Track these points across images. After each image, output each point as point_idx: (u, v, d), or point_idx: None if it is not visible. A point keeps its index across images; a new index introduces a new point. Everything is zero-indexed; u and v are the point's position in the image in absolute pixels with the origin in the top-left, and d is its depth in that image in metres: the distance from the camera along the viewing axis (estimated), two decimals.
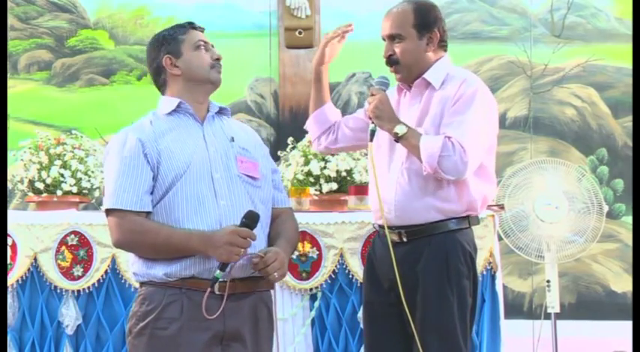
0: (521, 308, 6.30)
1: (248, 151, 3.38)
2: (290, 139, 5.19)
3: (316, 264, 4.61)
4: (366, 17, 6.37)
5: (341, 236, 4.61)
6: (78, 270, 4.67)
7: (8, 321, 4.62)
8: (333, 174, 4.94)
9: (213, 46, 3.43)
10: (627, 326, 4.76)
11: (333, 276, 4.62)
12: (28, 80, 6.63)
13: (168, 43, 3.38)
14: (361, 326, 4.44)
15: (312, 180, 4.97)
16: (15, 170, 5.20)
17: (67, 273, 4.67)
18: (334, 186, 4.94)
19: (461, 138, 3.53)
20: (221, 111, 3.43)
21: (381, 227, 3.69)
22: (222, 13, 6.48)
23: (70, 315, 4.64)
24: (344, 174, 4.96)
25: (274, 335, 3.40)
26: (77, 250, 4.68)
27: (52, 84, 6.62)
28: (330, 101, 4.02)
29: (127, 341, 3.30)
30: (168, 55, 3.37)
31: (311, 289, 4.62)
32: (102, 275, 4.66)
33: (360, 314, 4.47)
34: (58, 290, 4.67)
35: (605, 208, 5.28)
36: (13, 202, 6.28)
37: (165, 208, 3.23)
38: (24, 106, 6.54)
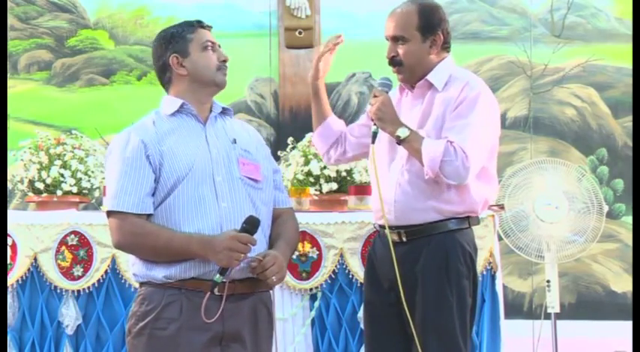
0: (521, 308, 6.30)
1: (250, 153, 3.37)
2: (290, 139, 5.18)
3: (316, 264, 4.61)
4: (366, 17, 6.38)
5: (341, 236, 4.61)
6: (78, 270, 4.67)
7: (8, 321, 4.62)
8: (333, 174, 4.94)
9: (220, 46, 3.40)
10: (627, 326, 4.76)
11: (333, 276, 4.62)
12: (28, 80, 6.63)
13: (176, 41, 3.35)
14: (361, 326, 4.44)
15: (312, 180, 4.97)
16: (15, 170, 5.20)
17: (67, 273, 4.67)
18: (334, 186, 4.94)
19: (463, 143, 3.53)
20: (224, 112, 3.42)
21: (382, 227, 3.69)
22: (222, 13, 6.48)
23: (70, 315, 4.64)
24: (344, 174, 4.95)
25: (273, 335, 3.40)
26: (77, 250, 4.68)
27: (52, 84, 6.63)
28: (332, 114, 4.00)
29: (127, 341, 3.30)
30: (176, 54, 3.34)
31: (311, 289, 4.62)
32: (102, 276, 4.66)
33: (360, 314, 4.48)
34: (58, 290, 4.67)
35: (605, 208, 5.28)
36: (13, 202, 6.28)
37: (167, 210, 3.23)
38: (24, 106, 6.54)
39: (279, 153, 5.19)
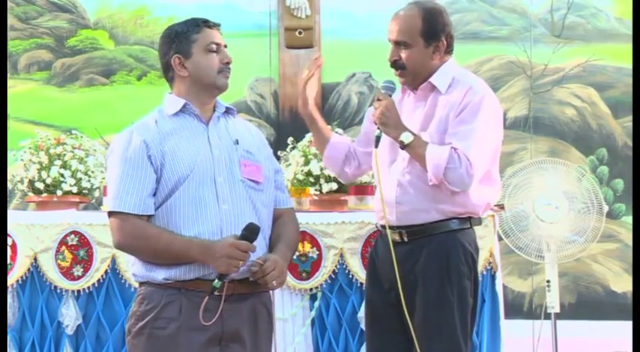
0: (521, 308, 6.29)
1: (252, 154, 3.36)
2: (290, 139, 5.18)
3: (316, 264, 4.61)
4: (366, 17, 6.37)
5: (341, 236, 4.61)
6: (78, 270, 4.67)
7: (8, 321, 4.62)
8: (333, 174, 4.94)
9: (225, 47, 3.37)
10: (627, 326, 4.76)
11: (333, 276, 4.62)
12: (28, 80, 6.63)
13: (180, 41, 3.33)
14: (361, 326, 4.45)
15: (312, 180, 4.97)
16: (15, 170, 5.20)
17: (67, 273, 4.67)
18: (334, 186, 4.94)
19: (467, 149, 3.52)
20: (227, 111, 3.41)
21: (383, 227, 3.69)
22: (222, 13, 6.47)
23: (70, 315, 4.64)
24: None
25: (273, 335, 3.40)
26: (77, 250, 4.68)
27: (52, 84, 6.62)
28: (333, 134, 3.99)
29: (127, 341, 3.30)
30: (178, 54, 3.33)
31: (311, 289, 4.62)
32: (102, 276, 4.66)
33: (360, 314, 4.48)
34: (58, 290, 4.67)
35: (605, 208, 5.28)
36: (13, 202, 6.28)
37: (168, 211, 3.22)
38: (24, 106, 6.54)
39: (279, 153, 5.19)
